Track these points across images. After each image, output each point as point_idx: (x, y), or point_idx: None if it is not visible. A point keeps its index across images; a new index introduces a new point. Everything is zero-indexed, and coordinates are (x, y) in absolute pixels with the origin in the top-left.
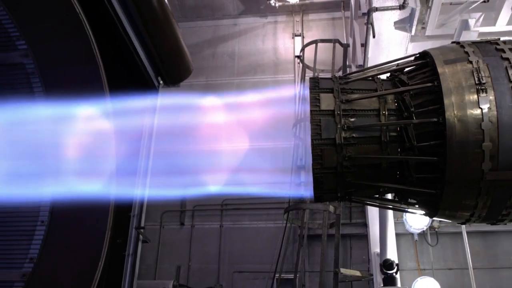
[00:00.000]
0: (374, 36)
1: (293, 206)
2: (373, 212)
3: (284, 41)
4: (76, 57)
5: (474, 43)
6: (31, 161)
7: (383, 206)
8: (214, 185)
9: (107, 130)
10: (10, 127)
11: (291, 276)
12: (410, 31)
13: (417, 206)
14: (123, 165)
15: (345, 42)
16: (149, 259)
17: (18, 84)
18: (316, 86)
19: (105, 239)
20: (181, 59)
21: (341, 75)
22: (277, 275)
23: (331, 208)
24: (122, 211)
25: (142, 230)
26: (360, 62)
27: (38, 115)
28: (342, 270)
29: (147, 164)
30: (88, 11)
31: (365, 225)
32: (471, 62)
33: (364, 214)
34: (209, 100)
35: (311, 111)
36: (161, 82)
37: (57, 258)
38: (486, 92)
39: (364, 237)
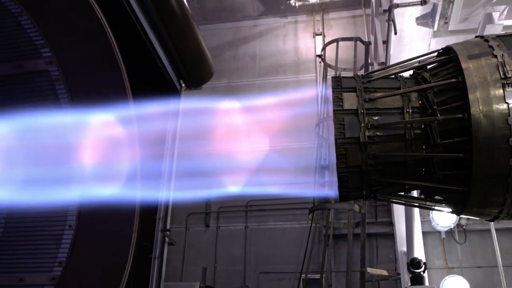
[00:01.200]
0: (396, 33)
1: (318, 206)
2: (398, 211)
3: (305, 41)
4: (99, 62)
5: (498, 36)
6: (58, 167)
7: (409, 204)
8: (238, 186)
9: (131, 134)
10: (38, 133)
11: (317, 276)
12: (433, 26)
13: (443, 203)
14: (148, 168)
15: (367, 40)
16: (175, 261)
17: (44, 91)
18: (339, 85)
19: (132, 242)
20: (202, 62)
21: (363, 73)
22: (303, 275)
23: (356, 207)
24: (148, 214)
25: (167, 233)
26: (382, 59)
27: (64, 121)
28: (369, 270)
29: (171, 167)
30: (109, 16)
31: (391, 223)
32: (495, 56)
33: (389, 213)
34: (232, 102)
35: (334, 110)
36: (183, 85)
37: (85, 261)
38: None
39: (390, 236)
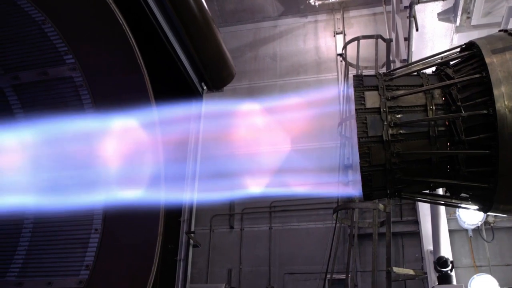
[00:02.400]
0: (417, 29)
1: (342, 205)
2: (424, 209)
3: (325, 40)
4: (121, 67)
5: None
6: (83, 171)
7: (434, 202)
8: (261, 187)
9: (154, 137)
10: (63, 139)
11: (342, 276)
12: (455, 21)
13: (470, 201)
14: (171, 171)
15: (388, 37)
16: (201, 263)
17: (68, 97)
18: (360, 84)
19: (157, 244)
20: (223, 64)
21: (385, 71)
22: (328, 275)
23: (381, 206)
24: (172, 217)
25: (192, 235)
26: (404, 56)
27: (88, 126)
28: (395, 269)
29: (195, 169)
30: (130, 21)
31: (416, 222)
32: None
33: (415, 212)
34: (253, 103)
35: (356, 109)
36: (204, 87)
37: (111, 264)
38: None
39: (416, 234)
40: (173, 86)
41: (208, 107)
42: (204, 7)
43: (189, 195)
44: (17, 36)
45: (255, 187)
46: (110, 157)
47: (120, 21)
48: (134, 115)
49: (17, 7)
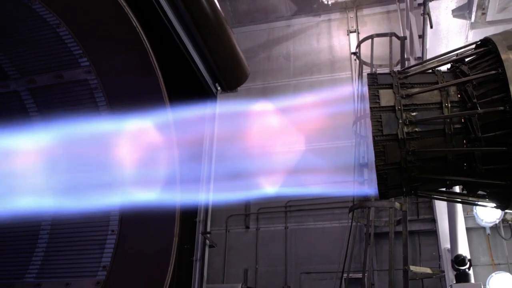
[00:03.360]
0: (431, 27)
1: (358, 204)
2: (441, 207)
3: (339, 39)
4: (135, 69)
5: None
6: (99, 173)
7: (451, 200)
8: (277, 187)
9: (169, 138)
10: (79, 141)
11: (359, 275)
12: (470, 18)
13: (487, 198)
14: (187, 171)
15: (402, 35)
16: (217, 263)
17: (84, 100)
18: (375, 82)
19: (173, 245)
20: (237, 64)
21: (399, 69)
22: (345, 275)
23: (397, 204)
24: (188, 217)
25: (208, 235)
26: (419, 54)
27: (104, 128)
28: (412, 268)
29: (210, 170)
30: (143, 23)
31: (433, 220)
32: None
33: (432, 210)
34: (267, 103)
35: (370, 108)
36: (219, 88)
37: (128, 265)
38: None
39: (433, 233)
40: (187, 87)
41: (222, 108)
42: (217, 8)
43: (205, 195)
44: (33, 40)
45: (270, 186)
46: (125, 158)
47: (134, 24)
48: (149, 116)
49: (32, 11)
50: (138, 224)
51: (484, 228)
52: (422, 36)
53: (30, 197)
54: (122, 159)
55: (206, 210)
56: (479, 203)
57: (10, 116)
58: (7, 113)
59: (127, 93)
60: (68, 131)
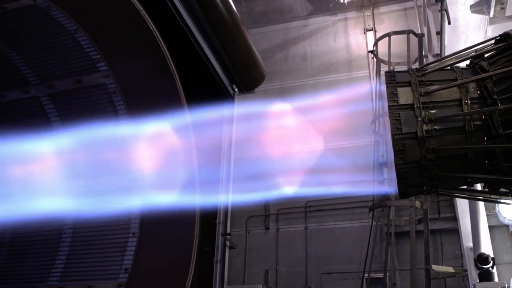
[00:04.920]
0: (449, 23)
1: (378, 204)
2: (462, 205)
3: (356, 37)
4: (153, 73)
5: None
6: (119, 176)
7: (473, 197)
8: (296, 187)
9: (188, 141)
10: (99, 145)
11: (380, 275)
12: (488, 13)
13: (509, 195)
14: (206, 173)
15: (420, 32)
16: (237, 265)
17: (103, 104)
18: (393, 80)
19: (193, 247)
20: (254, 65)
21: (417, 66)
22: (366, 275)
23: (418, 203)
24: (208, 219)
25: (228, 237)
26: (437, 51)
27: (123, 132)
28: (434, 267)
29: (229, 171)
30: (160, 26)
31: (455, 219)
32: None
33: (453, 208)
34: (285, 104)
35: (389, 106)
36: (236, 89)
37: (149, 267)
38: None
39: (455, 231)
40: (204, 89)
41: (240, 109)
42: (233, 9)
43: (224, 197)
44: (51, 46)
45: (289, 187)
46: (145, 161)
47: (151, 27)
48: (168, 119)
49: (50, 17)
50: (159, 227)
51: (507, 226)
52: (440, 33)
53: (52, 201)
54: (142, 162)
55: (226, 212)
56: (502, 200)
57: (32, 122)
58: (29, 119)
59: (145, 97)
60: (88, 135)
